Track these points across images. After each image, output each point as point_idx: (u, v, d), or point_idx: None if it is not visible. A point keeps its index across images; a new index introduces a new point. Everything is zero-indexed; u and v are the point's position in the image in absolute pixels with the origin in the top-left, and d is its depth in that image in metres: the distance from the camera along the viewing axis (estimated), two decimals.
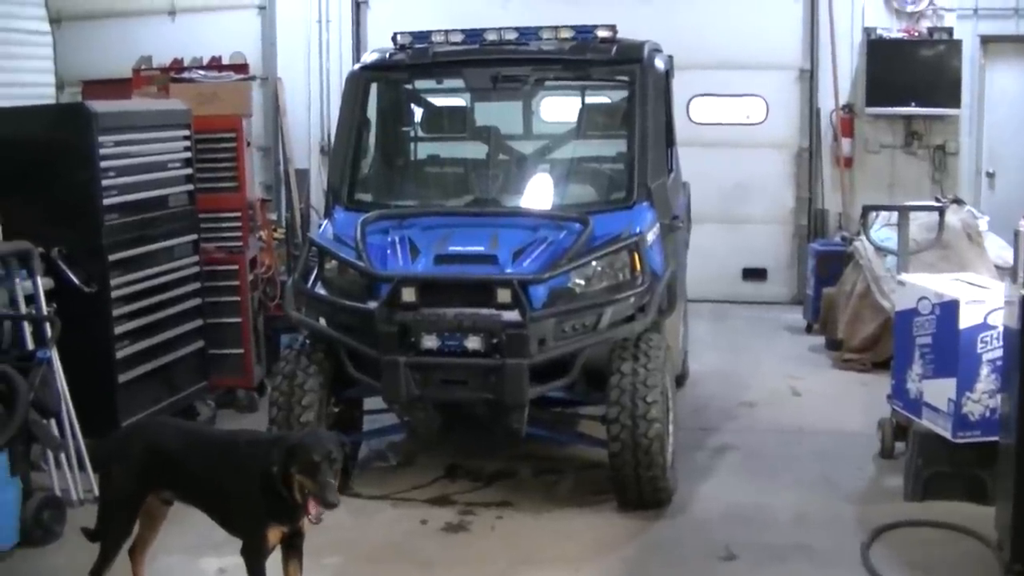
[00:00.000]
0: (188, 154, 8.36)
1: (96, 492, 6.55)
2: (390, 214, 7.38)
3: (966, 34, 12.61)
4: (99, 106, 7.62)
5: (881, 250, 9.39)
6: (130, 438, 5.51)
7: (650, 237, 7.07)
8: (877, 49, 12.62)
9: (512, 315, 6.48)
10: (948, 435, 6.62)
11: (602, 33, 7.70)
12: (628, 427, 6.46)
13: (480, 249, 6.84)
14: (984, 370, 6.51)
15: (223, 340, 8.88)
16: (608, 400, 6.56)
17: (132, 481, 5.14)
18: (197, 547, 6.04)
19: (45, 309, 6.84)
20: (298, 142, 13.21)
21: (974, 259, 9.60)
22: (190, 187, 8.38)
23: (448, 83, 8.41)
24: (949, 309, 6.61)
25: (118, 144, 7.56)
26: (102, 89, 11.49)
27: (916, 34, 12.61)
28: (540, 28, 7.78)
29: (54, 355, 6.68)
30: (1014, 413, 5.63)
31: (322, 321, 7.05)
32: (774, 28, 13.02)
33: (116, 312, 7.48)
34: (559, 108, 9.22)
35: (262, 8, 13.58)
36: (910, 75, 12.47)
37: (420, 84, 8.50)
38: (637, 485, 6.61)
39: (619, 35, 7.77)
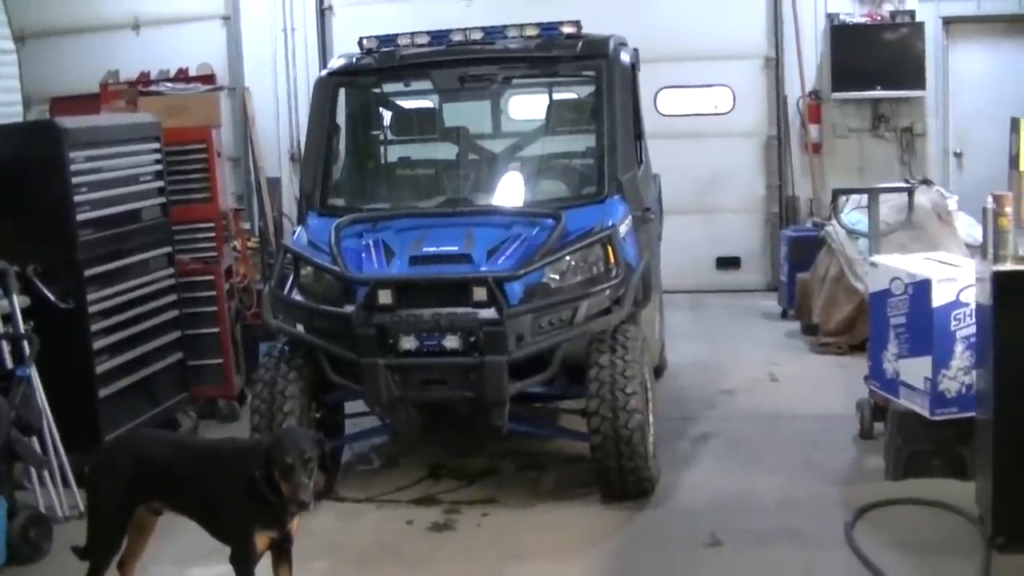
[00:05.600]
0: (159, 167, 8.35)
1: (82, 508, 6.58)
2: (363, 218, 7.38)
3: (928, 16, 12.72)
4: (69, 122, 7.60)
5: (853, 233, 9.45)
6: (117, 451, 5.55)
7: (623, 229, 7.10)
8: (841, 34, 12.72)
9: (489, 313, 6.51)
10: (926, 413, 6.66)
11: (567, 29, 7.71)
12: (609, 419, 6.48)
13: (454, 248, 6.85)
14: (959, 347, 6.56)
15: (202, 351, 8.86)
16: (588, 393, 6.59)
17: (121, 493, 5.13)
18: (186, 557, 6.03)
19: (23, 327, 6.81)
20: (268, 151, 13.23)
21: (944, 238, 9.67)
22: (163, 199, 8.37)
23: (416, 85, 8.40)
24: (922, 288, 6.66)
25: (89, 159, 7.54)
26: (70, 105, 11.46)
27: (879, 18, 12.73)
28: (506, 27, 7.80)
29: (33, 372, 6.67)
30: (990, 388, 5.71)
31: (300, 327, 7.03)
32: (738, 17, 13.11)
33: (94, 327, 7.46)
34: (527, 106, 9.24)
35: (226, 18, 13.56)
36: (875, 59, 12.60)
37: (388, 87, 8.51)
38: (620, 476, 6.64)
39: (584, 30, 7.80)
